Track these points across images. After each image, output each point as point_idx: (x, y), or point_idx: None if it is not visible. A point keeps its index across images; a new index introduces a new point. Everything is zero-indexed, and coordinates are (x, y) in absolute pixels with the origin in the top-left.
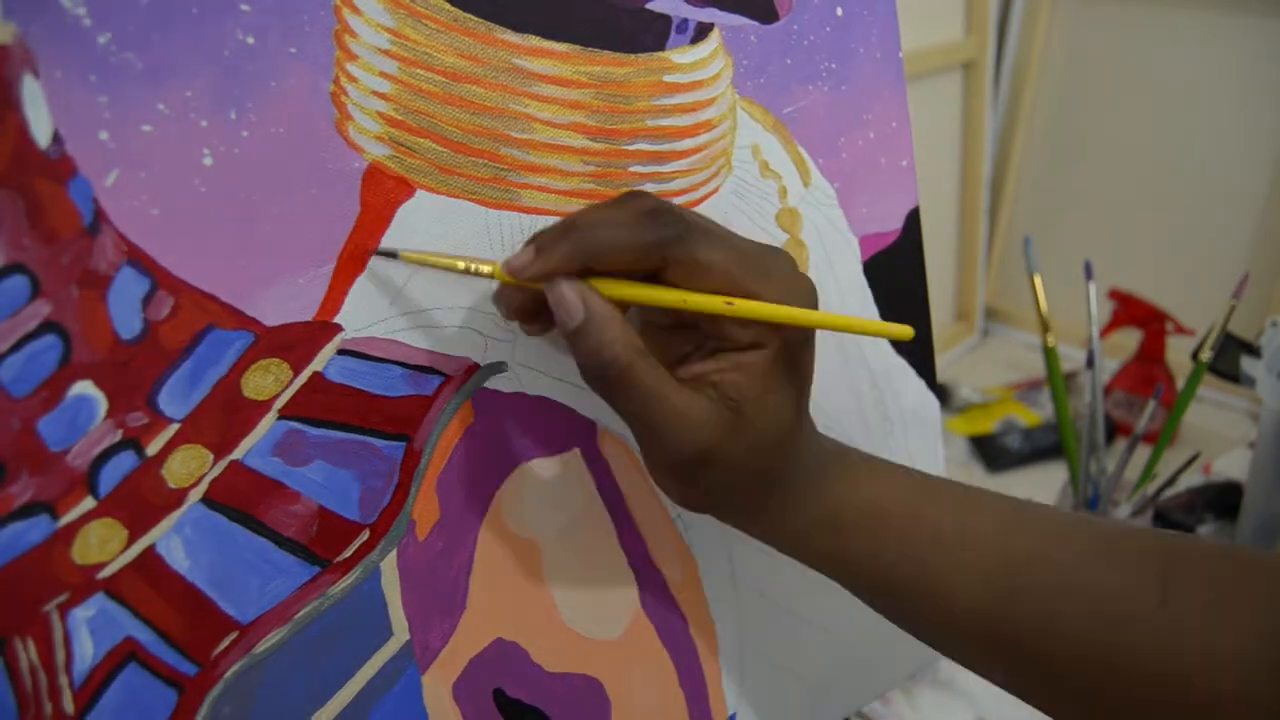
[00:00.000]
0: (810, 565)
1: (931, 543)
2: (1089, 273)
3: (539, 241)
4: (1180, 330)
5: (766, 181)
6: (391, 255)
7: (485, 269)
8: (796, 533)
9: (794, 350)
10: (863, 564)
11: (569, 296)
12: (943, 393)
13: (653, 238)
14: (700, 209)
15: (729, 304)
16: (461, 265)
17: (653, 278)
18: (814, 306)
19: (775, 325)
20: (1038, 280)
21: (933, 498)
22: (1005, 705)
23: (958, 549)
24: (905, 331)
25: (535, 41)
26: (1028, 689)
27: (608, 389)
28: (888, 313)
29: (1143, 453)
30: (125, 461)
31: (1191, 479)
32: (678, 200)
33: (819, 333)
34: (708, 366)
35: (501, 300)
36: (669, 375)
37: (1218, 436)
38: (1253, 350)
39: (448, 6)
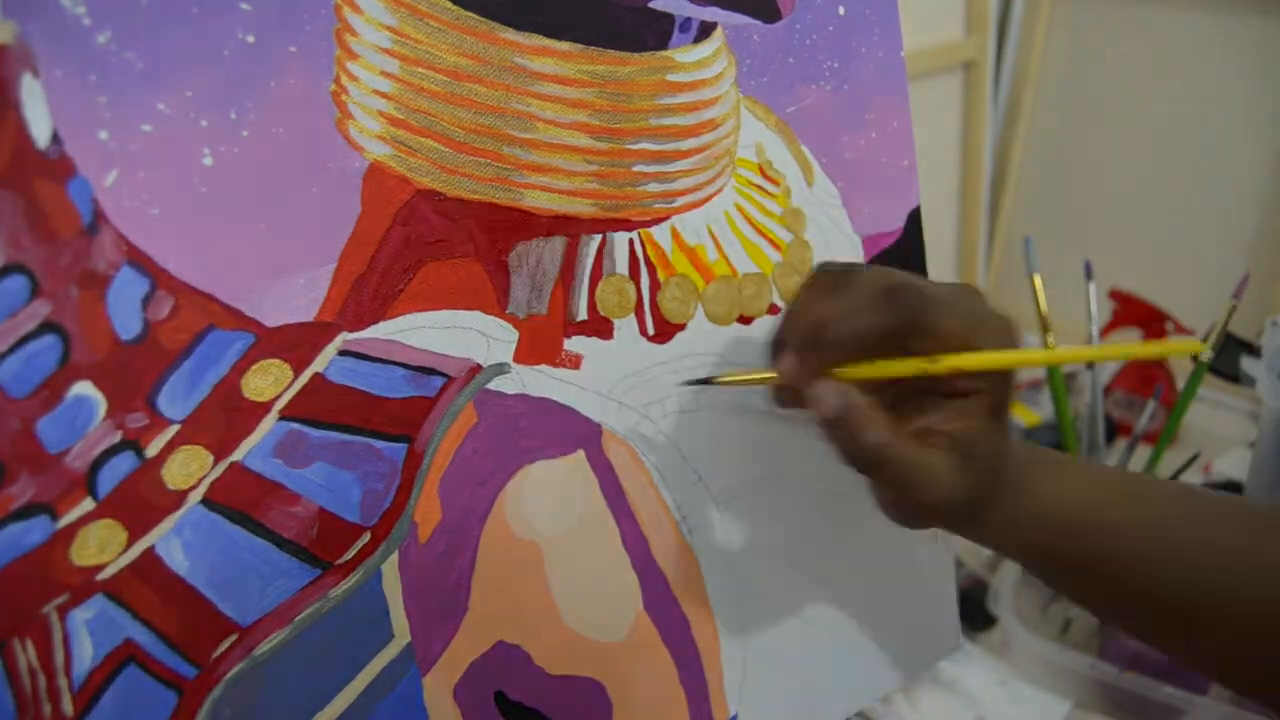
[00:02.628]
0: (1010, 557)
1: (1133, 534)
2: (1089, 273)
3: (791, 345)
4: (1180, 330)
5: (770, 181)
6: (705, 383)
7: (759, 377)
8: (1001, 534)
9: (1007, 386)
10: (1070, 557)
11: (829, 397)
12: None
13: (895, 322)
14: (704, 208)
15: (953, 360)
16: (739, 379)
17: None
18: (1017, 337)
19: (997, 370)
20: (1038, 280)
21: (1105, 485)
22: (1005, 705)
23: (1156, 540)
24: (1193, 347)
25: (538, 40)
26: (1181, 650)
27: (867, 468)
28: None
29: (1143, 453)
30: (125, 463)
31: (1191, 479)
32: (680, 201)
33: None
34: (937, 419)
35: (779, 398)
36: (913, 442)
37: (1218, 436)
38: (1253, 350)
39: (450, 5)
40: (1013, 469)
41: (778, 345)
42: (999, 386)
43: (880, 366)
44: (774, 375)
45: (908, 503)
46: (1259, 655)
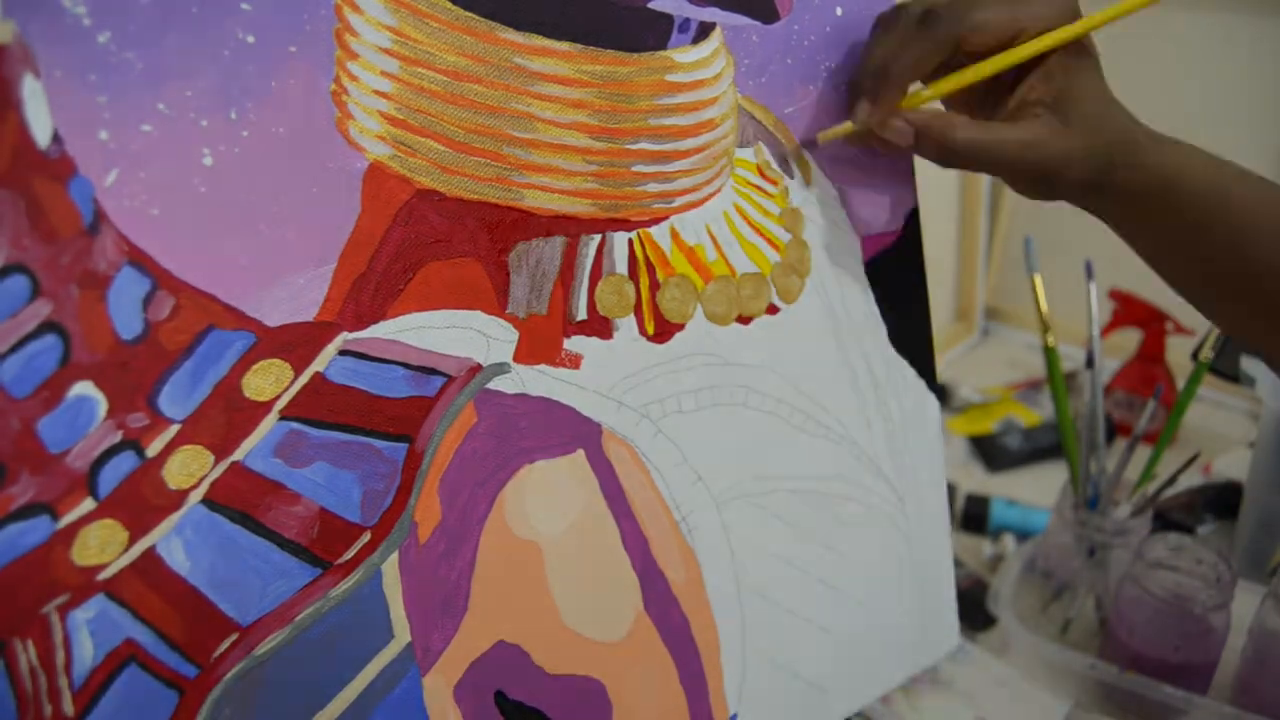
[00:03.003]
0: (1134, 238)
1: (1228, 206)
2: (1089, 272)
3: (864, 89)
4: (1180, 330)
5: (768, 181)
6: (810, 145)
7: (840, 131)
8: (1125, 207)
9: (1078, 42)
10: (1171, 234)
11: (896, 126)
12: (942, 393)
13: (943, 38)
14: (703, 208)
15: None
16: (828, 134)
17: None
18: (1075, 3)
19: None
20: (1038, 280)
21: (1225, 170)
22: (1005, 705)
23: (1255, 210)
24: None
25: (537, 40)
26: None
27: (963, 164)
28: (889, 313)
29: (1143, 453)
30: (125, 462)
31: (1191, 479)
32: (679, 201)
33: (818, 335)
34: (1020, 93)
35: (867, 144)
36: (998, 124)
37: (1218, 436)
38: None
39: (449, 5)
40: (1130, 136)
41: (852, 93)
42: (1068, 49)
43: (944, 84)
44: (850, 126)
45: (1030, 176)
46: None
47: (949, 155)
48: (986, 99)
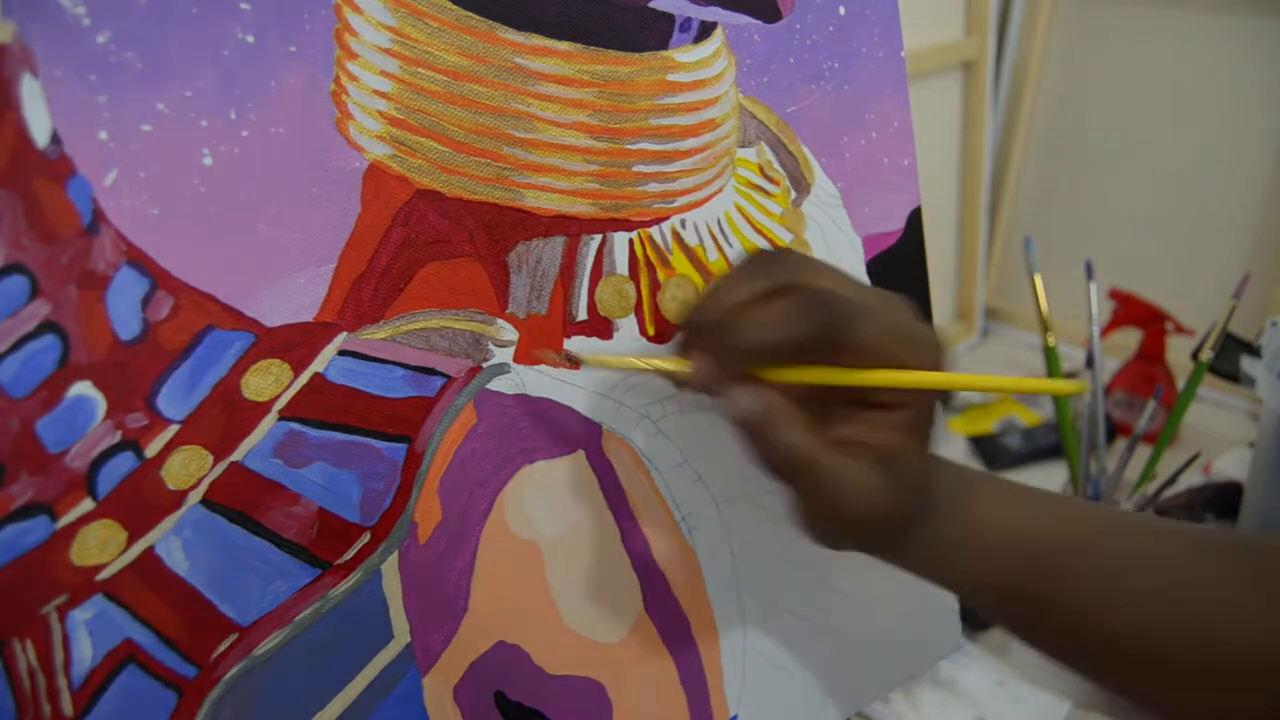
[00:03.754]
0: (943, 585)
1: (1051, 555)
2: (1089, 272)
3: (704, 338)
4: (1180, 330)
5: (770, 182)
6: (575, 362)
7: (665, 366)
8: (932, 559)
9: (931, 403)
10: (991, 581)
11: (745, 399)
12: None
13: (815, 332)
14: (704, 209)
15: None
16: (641, 365)
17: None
18: (941, 355)
19: (924, 393)
20: (1038, 280)
21: (1050, 514)
22: (1005, 705)
23: (1074, 558)
24: (1076, 387)
25: (538, 40)
26: (1132, 689)
27: (788, 475)
28: None
29: (1143, 452)
30: (124, 463)
31: (1191, 479)
32: (680, 201)
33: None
34: (858, 429)
35: (680, 386)
36: (836, 452)
37: (1218, 436)
38: (1253, 350)
39: (449, 5)
40: (947, 491)
41: (691, 331)
42: (924, 404)
43: (801, 373)
44: (685, 368)
45: (829, 515)
46: (1091, 638)
47: (771, 453)
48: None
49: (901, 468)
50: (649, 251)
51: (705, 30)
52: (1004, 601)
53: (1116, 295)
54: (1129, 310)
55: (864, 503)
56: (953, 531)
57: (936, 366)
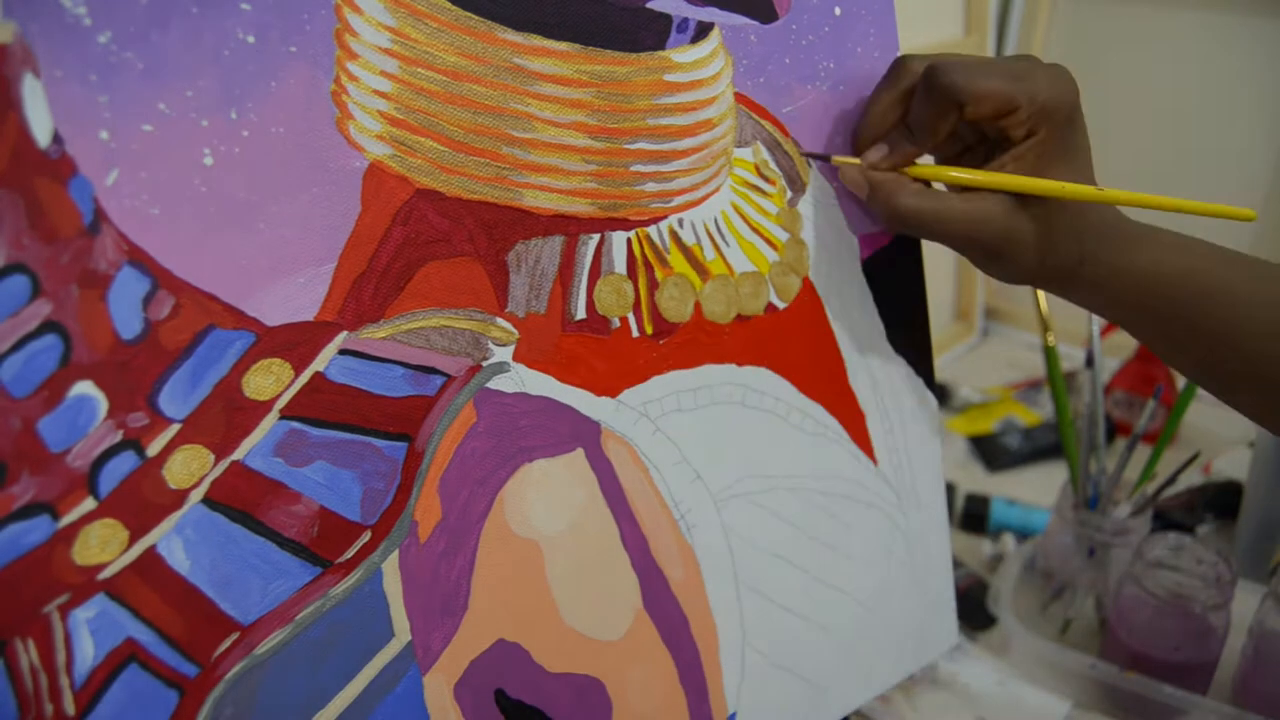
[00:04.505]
0: (1116, 318)
1: (1210, 300)
2: None
3: (890, 141)
4: None
5: (766, 181)
6: (824, 158)
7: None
8: (1105, 292)
9: (1063, 130)
10: (1175, 317)
11: (855, 177)
12: (942, 392)
13: (943, 99)
14: (701, 208)
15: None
16: (849, 161)
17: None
18: (1075, 90)
19: (1045, 113)
20: None
21: (1206, 261)
22: (1005, 705)
23: (1238, 302)
24: (1247, 214)
25: (536, 40)
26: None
27: (905, 227)
28: (887, 312)
29: (1143, 452)
30: (126, 462)
31: (1191, 478)
32: (677, 200)
33: (816, 334)
34: (989, 167)
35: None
36: (950, 195)
37: (1217, 436)
38: None
39: (449, 5)
40: (1102, 230)
41: (855, 137)
42: (1057, 133)
43: (943, 170)
44: (856, 161)
45: (974, 249)
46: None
47: (893, 219)
48: (969, 161)
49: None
50: (647, 251)
51: (702, 30)
52: (1171, 345)
53: None
54: None
55: (990, 229)
56: (1117, 265)
57: (1065, 95)
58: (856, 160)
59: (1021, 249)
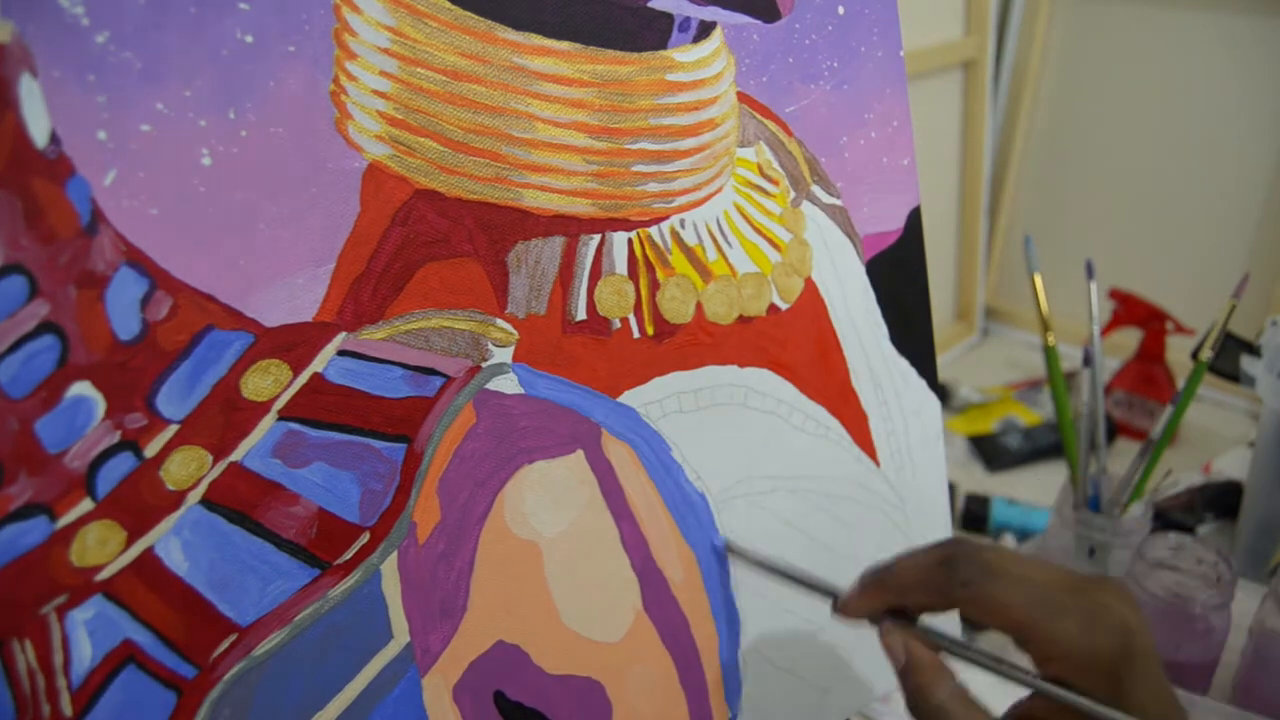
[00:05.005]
0: None
1: None
2: (1090, 272)
3: (862, 580)
4: (1180, 330)
5: (769, 181)
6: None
7: (820, 584)
8: None
9: (1108, 683)
10: None
11: (892, 644)
12: (943, 392)
13: (945, 581)
14: (703, 208)
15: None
16: (821, 584)
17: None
18: (1128, 646)
19: (1071, 661)
20: (1038, 279)
21: None
22: (1006, 705)
23: None
24: None
25: (537, 40)
26: None
27: None
28: (890, 313)
29: (1131, 449)
30: (124, 463)
31: (1191, 478)
32: (679, 201)
33: (818, 335)
34: (1029, 706)
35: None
36: (987, 715)
37: (1218, 436)
38: (1253, 350)
39: (448, 5)
40: None
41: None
42: (1095, 682)
43: (958, 648)
44: (833, 594)
45: None
46: None
47: (916, 708)
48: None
49: None
50: (648, 251)
51: (704, 30)
52: None
53: (1117, 295)
54: (1129, 310)
55: None
56: None
57: (1111, 643)
58: (830, 590)
59: None
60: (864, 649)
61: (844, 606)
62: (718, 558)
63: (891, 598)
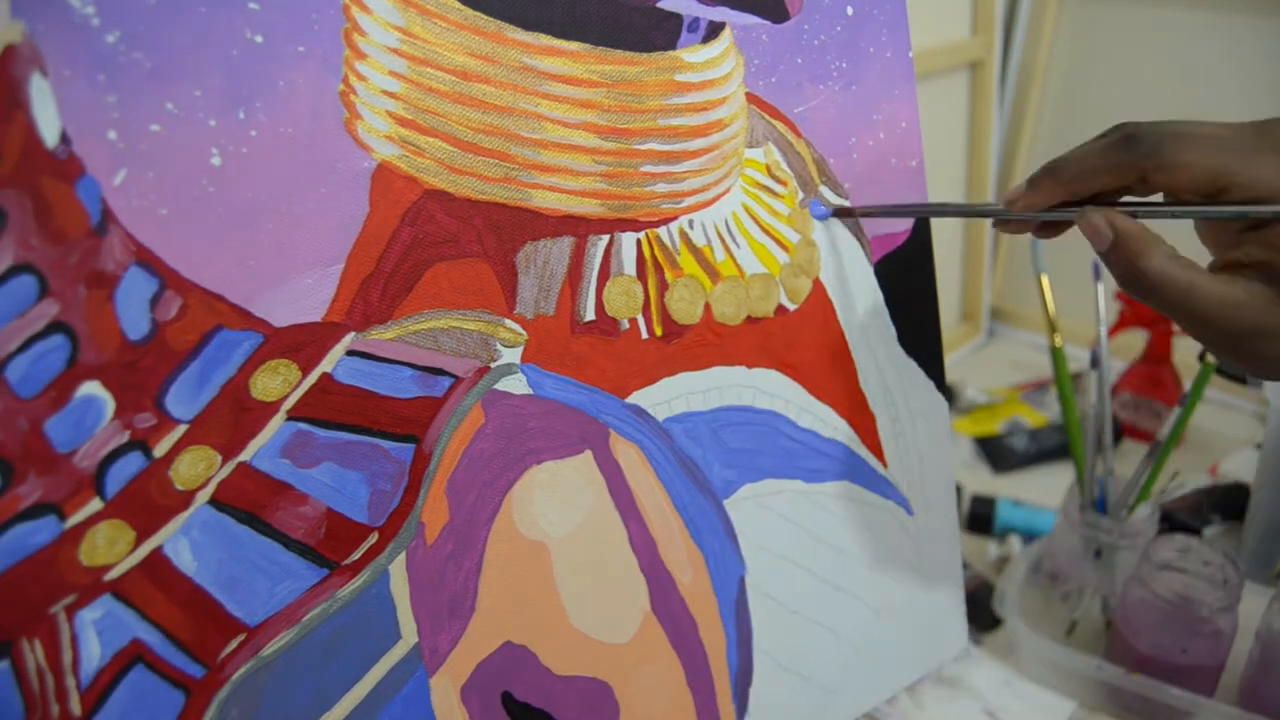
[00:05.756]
0: None
1: None
2: (1097, 273)
3: (1030, 178)
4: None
5: (778, 182)
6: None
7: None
8: None
9: None
10: None
11: (1096, 223)
12: (948, 393)
13: (1128, 156)
14: (712, 209)
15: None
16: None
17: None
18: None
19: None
20: (1045, 280)
21: None
22: (1011, 706)
23: None
24: None
25: (546, 40)
26: None
27: (1146, 294)
28: (898, 314)
29: (1138, 451)
30: (133, 463)
31: (1198, 480)
32: (688, 201)
33: (826, 336)
34: (1231, 251)
35: (1005, 229)
36: (1201, 269)
37: (1225, 438)
38: None
39: (458, 5)
40: None
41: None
42: None
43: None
44: (1000, 208)
45: (1217, 337)
46: None
47: (1133, 280)
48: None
49: None
50: (657, 252)
51: (713, 30)
52: None
53: (1124, 296)
54: (1136, 311)
55: (1239, 317)
56: None
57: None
58: (994, 206)
59: (1266, 339)
60: (871, 650)
61: (1015, 202)
62: (728, 554)
63: (1067, 189)
